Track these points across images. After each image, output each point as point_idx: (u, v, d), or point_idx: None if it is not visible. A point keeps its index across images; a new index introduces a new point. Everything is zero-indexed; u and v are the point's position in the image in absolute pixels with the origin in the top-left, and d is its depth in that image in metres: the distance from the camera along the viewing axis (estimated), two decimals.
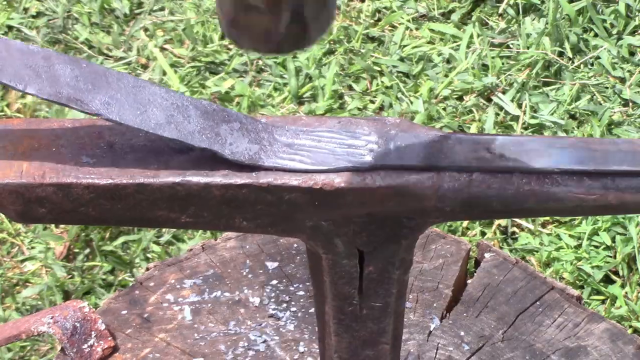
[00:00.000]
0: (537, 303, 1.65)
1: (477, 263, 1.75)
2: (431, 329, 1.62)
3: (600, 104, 2.62)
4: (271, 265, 1.71)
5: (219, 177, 0.96)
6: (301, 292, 1.67)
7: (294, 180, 0.96)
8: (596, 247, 2.33)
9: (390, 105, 2.62)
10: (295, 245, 1.73)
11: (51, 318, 1.53)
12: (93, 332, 1.55)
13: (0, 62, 0.93)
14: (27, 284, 2.28)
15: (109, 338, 1.57)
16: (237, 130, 0.98)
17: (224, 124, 0.98)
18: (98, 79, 0.95)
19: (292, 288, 1.68)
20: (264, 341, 1.61)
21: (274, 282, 1.68)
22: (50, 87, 0.93)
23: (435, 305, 1.65)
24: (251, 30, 0.85)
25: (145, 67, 2.76)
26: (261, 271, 1.70)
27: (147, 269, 1.73)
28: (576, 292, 1.68)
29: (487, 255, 1.72)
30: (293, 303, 1.66)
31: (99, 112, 0.93)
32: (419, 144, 0.98)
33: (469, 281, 1.71)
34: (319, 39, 0.89)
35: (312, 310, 1.62)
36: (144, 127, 0.94)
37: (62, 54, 0.96)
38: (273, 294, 1.67)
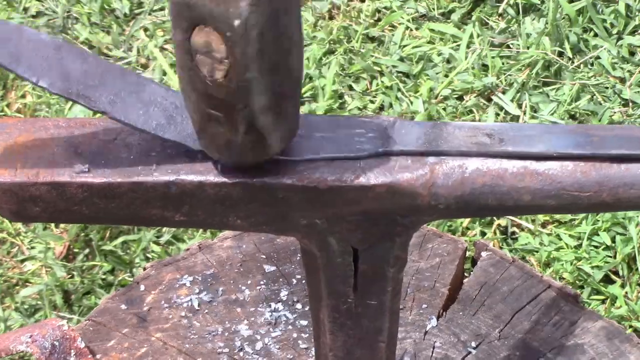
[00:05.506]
0: (534, 302, 1.65)
1: (474, 262, 1.75)
2: (427, 327, 1.62)
3: (600, 104, 2.62)
4: (268, 264, 1.71)
5: (212, 176, 0.96)
6: (297, 291, 1.67)
7: (287, 179, 0.96)
8: (596, 247, 2.32)
9: (390, 105, 2.62)
10: (291, 245, 1.73)
11: (30, 337, 1.49)
12: (72, 350, 1.52)
13: (16, 51, 0.92)
14: (27, 283, 2.28)
15: (89, 356, 1.53)
16: None
17: None
18: (104, 75, 0.95)
19: (288, 287, 1.68)
20: (261, 340, 1.61)
21: (271, 281, 1.68)
22: (61, 82, 0.93)
23: (431, 303, 1.65)
24: (215, 141, 0.91)
25: (145, 67, 2.76)
26: (258, 270, 1.70)
27: (144, 269, 1.73)
28: (572, 291, 1.68)
29: (483, 254, 1.72)
30: (289, 302, 1.66)
31: (106, 111, 0.93)
32: (418, 131, 0.99)
33: (465, 280, 1.71)
34: (281, 149, 0.93)
35: (308, 309, 1.62)
36: (146, 127, 0.94)
37: (71, 45, 0.95)
38: (269, 293, 1.67)
